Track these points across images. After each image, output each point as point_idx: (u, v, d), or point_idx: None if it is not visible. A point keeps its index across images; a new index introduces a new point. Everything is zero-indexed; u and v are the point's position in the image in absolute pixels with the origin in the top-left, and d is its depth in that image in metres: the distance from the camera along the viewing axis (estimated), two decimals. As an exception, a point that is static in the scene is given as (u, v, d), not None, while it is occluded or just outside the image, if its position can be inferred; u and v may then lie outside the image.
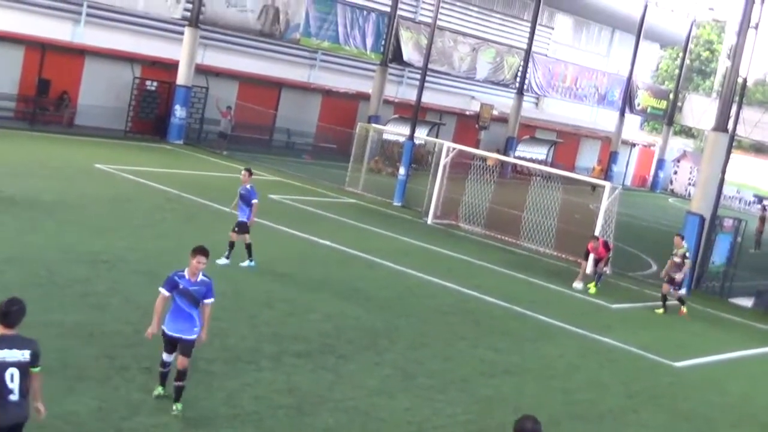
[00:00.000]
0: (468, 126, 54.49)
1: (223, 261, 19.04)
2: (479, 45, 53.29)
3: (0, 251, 16.90)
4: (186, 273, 11.23)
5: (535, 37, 53.70)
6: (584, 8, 64.62)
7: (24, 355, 8.22)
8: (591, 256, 25.09)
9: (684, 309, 23.76)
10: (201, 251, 11.27)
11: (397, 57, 48.15)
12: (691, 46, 70.37)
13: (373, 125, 40.81)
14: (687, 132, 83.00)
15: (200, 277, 11.25)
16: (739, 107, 31.80)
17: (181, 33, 39.68)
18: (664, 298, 23.53)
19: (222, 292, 16.97)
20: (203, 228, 22.71)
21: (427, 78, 37.16)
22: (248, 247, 19.40)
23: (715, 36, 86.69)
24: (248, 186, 19.68)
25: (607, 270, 25.26)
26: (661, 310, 23.35)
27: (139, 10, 39.01)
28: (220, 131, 40.65)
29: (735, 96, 29.74)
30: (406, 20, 49.53)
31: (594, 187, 44.82)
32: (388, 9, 47.20)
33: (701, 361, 19.41)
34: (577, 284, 24.31)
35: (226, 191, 29.04)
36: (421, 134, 44.32)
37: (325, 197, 32.32)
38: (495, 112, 54.26)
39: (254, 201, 19.56)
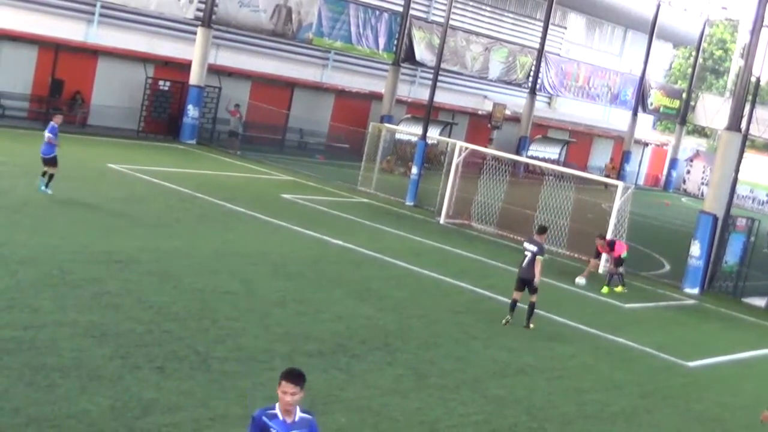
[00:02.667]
0: (480, 125, 54.45)
1: (43, 189, 22.78)
2: (492, 44, 53.24)
3: (13, 251, 16.98)
4: (279, 410, 7.64)
5: (548, 36, 53.71)
6: (597, 8, 64.47)
7: None
8: (603, 256, 25.05)
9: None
10: (298, 377, 7.68)
11: (410, 57, 48.14)
12: (704, 45, 70.13)
13: (386, 125, 40.80)
14: (700, 131, 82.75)
15: (298, 413, 7.67)
16: (753, 106, 31.72)
17: (194, 33, 39.75)
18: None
19: (235, 291, 17.07)
20: (216, 228, 22.76)
21: (440, 78, 37.14)
22: (51, 177, 23.04)
23: (729, 35, 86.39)
24: (56, 125, 23.76)
25: (621, 270, 25.06)
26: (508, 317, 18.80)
27: (151, 10, 39.11)
28: (230, 130, 40.71)
29: (748, 95, 29.65)
30: (419, 20, 49.52)
31: (606, 185, 44.77)
32: (400, 9, 47.16)
33: (714, 361, 19.36)
34: (580, 279, 24.27)
35: (239, 191, 29.17)
36: (434, 134, 44.31)
37: (338, 197, 32.34)
38: (507, 112, 54.24)
39: (54, 134, 23.62)
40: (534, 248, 18.65)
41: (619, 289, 24.40)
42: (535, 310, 18.78)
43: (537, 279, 18.51)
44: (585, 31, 67.10)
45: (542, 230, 19.77)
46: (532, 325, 18.49)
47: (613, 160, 60.70)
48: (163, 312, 14.94)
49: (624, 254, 24.83)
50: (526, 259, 18.63)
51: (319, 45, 45.38)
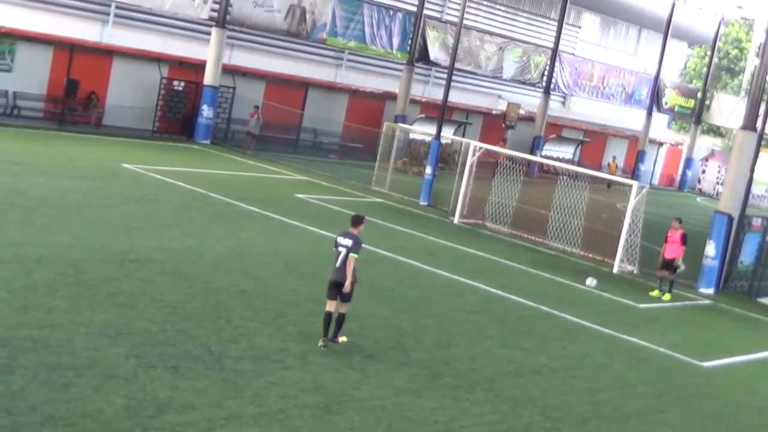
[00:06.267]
0: (494, 125, 54.36)
1: None
2: (506, 44, 53.18)
3: (29, 250, 17.04)
4: None
5: (562, 35, 53.59)
6: (611, 7, 64.31)
7: None
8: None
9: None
10: None
11: (424, 56, 48.14)
12: (719, 44, 69.90)
13: (400, 125, 40.79)
14: (715, 131, 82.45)
15: None
16: (768, 106, 31.51)
17: (208, 33, 39.85)
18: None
19: (249, 290, 17.10)
20: (230, 227, 22.80)
21: (454, 77, 37.10)
22: None
23: (744, 34, 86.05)
24: None
25: (682, 266, 24.67)
26: None
27: (166, 10, 39.22)
28: (249, 131, 40.77)
29: (764, 94, 29.49)
30: (433, 20, 49.50)
31: (609, 184, 44.88)
32: (414, 8, 47.18)
33: (729, 362, 19.28)
34: (590, 281, 24.12)
35: (253, 190, 29.21)
36: (448, 134, 44.26)
37: (352, 197, 32.36)
38: (522, 112, 54.15)
39: None
40: (348, 242, 14.83)
41: (655, 293, 24.34)
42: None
43: (348, 282, 14.70)
44: (599, 30, 66.96)
45: (357, 221, 15.32)
46: (342, 339, 14.84)
47: (615, 159, 60.60)
48: (177, 311, 14.97)
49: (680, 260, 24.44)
50: (339, 258, 14.81)
51: (333, 45, 45.42)
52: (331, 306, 14.79)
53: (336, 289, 14.77)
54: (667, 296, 24.31)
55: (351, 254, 14.63)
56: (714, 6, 62.58)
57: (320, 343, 14.54)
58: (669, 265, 24.31)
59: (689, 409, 15.36)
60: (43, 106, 37.25)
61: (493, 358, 15.94)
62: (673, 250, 24.23)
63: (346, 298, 14.77)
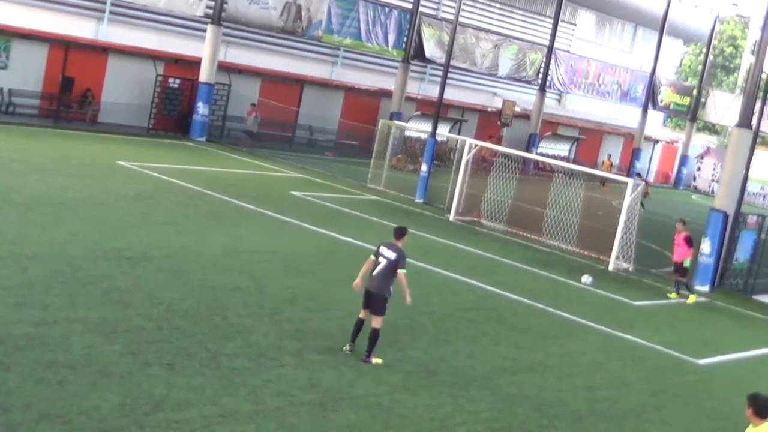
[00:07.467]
0: (490, 122, 54.39)
1: None
2: (501, 41, 53.16)
3: (24, 248, 17.01)
4: None
5: (558, 33, 53.65)
6: (607, 4, 64.37)
7: None
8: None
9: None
10: None
11: (419, 54, 48.10)
12: (714, 41, 69.95)
13: (396, 122, 40.75)
14: (710, 128, 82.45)
15: None
16: (764, 103, 31.55)
17: (204, 30, 39.78)
18: None
19: (245, 288, 17.09)
20: (226, 225, 22.77)
21: (449, 75, 37.09)
22: None
23: (739, 31, 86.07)
24: None
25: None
26: None
27: (161, 7, 39.16)
28: (246, 129, 40.73)
29: (759, 92, 29.54)
30: (428, 17, 49.47)
31: (604, 181, 45.03)
32: (410, 6, 47.15)
33: (725, 359, 19.31)
34: (586, 278, 24.12)
35: (249, 188, 29.18)
36: (444, 131, 44.26)
37: (348, 194, 32.35)
38: (517, 109, 54.12)
39: None
40: (393, 255, 14.40)
41: (673, 295, 24.40)
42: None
43: (408, 295, 14.46)
44: (595, 27, 67.00)
45: (401, 233, 14.88)
46: (377, 360, 14.21)
47: (611, 157, 60.67)
48: (173, 309, 14.96)
49: (687, 262, 24.50)
50: (378, 268, 14.42)
51: (329, 42, 45.38)
52: (364, 313, 14.51)
53: (369, 299, 14.42)
54: (673, 295, 24.39)
55: (399, 271, 14.24)
56: (709, 3, 62.63)
57: (346, 348, 14.37)
58: (678, 268, 24.44)
59: (685, 407, 15.37)
60: (38, 104, 37.18)
61: (489, 355, 15.94)
62: (679, 253, 24.30)
63: (378, 311, 14.33)
